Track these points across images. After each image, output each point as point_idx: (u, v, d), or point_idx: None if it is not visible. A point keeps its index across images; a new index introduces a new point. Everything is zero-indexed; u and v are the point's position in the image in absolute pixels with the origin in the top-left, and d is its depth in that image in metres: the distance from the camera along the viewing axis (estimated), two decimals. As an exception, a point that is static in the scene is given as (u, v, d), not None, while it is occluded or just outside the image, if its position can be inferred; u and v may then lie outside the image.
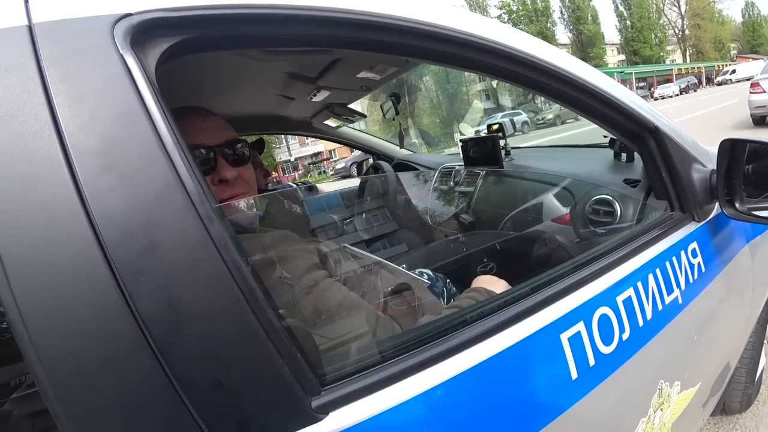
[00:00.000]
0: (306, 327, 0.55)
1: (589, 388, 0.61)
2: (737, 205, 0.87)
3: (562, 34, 42.20)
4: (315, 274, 0.64)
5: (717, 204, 0.91)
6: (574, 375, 0.59)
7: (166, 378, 0.35)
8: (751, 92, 7.35)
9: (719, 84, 28.63)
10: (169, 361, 0.36)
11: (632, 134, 0.88)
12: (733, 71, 29.31)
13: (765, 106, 7.16)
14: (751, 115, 7.53)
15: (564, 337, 0.60)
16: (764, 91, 7.07)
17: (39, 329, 0.33)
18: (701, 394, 0.95)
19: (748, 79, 10.26)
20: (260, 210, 0.83)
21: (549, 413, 0.57)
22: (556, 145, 2.01)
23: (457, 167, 1.95)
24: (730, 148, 0.85)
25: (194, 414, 0.36)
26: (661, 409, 0.78)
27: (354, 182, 2.51)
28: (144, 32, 0.43)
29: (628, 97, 0.82)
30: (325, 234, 1.78)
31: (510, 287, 0.83)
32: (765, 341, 1.47)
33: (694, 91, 28.66)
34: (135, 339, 0.35)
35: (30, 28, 0.38)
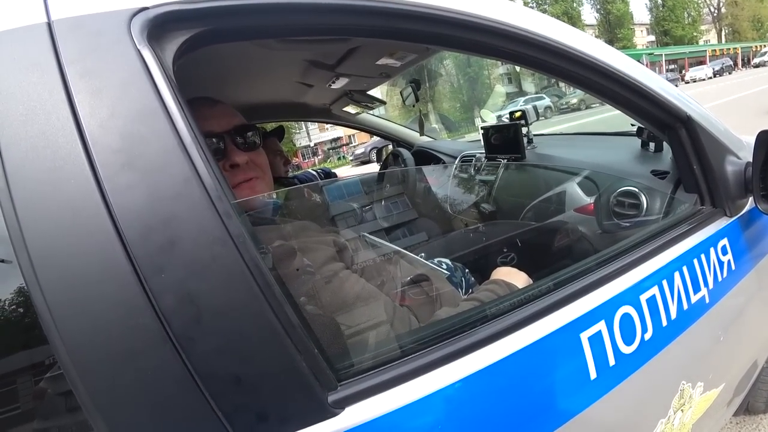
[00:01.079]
0: (323, 321, 0.55)
1: (607, 389, 0.60)
2: (774, 201, 0.83)
3: (589, 14, 40.54)
4: (332, 266, 0.65)
5: (751, 199, 0.87)
6: (593, 375, 0.58)
7: (187, 372, 0.36)
8: None
9: (756, 66, 27.16)
10: (190, 356, 0.36)
11: (662, 123, 0.84)
12: None
13: None
14: None
15: (584, 336, 0.58)
16: None
17: (65, 321, 0.35)
18: (725, 394, 0.92)
19: None
20: (279, 200, 0.83)
21: (566, 413, 0.56)
22: (581, 133, 1.95)
23: (477, 155, 1.91)
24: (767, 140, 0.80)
25: (214, 407, 0.37)
26: (682, 410, 0.77)
27: (373, 168, 2.51)
28: (160, 26, 0.43)
29: (659, 84, 0.79)
30: (345, 221, 1.78)
31: (530, 279, 0.81)
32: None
33: (729, 73, 27.16)
34: (157, 333, 0.36)
35: (49, 25, 0.39)
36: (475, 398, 0.49)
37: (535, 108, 1.91)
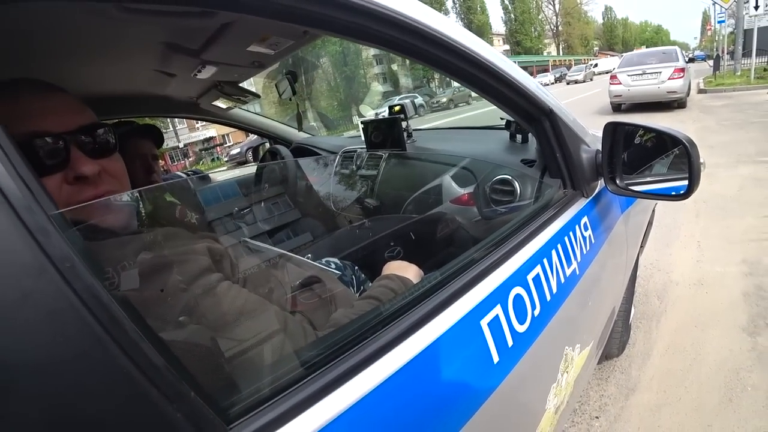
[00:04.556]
0: (201, 350, 0.45)
1: (509, 369, 0.61)
2: (618, 182, 0.95)
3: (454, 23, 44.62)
4: (207, 278, 0.53)
5: (601, 181, 0.99)
6: (495, 359, 0.59)
7: None
8: (610, 83, 8.80)
9: (569, 83, 32.76)
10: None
11: (529, 116, 0.91)
12: (596, 65, 34.28)
13: (621, 95, 8.61)
14: (611, 102, 9.05)
15: (484, 323, 0.59)
16: (620, 83, 8.48)
17: None
18: (593, 349, 1.05)
19: (608, 72, 12.04)
20: (138, 206, 0.68)
21: (477, 401, 0.55)
22: (457, 127, 2.06)
23: (358, 150, 1.90)
24: (613, 131, 0.93)
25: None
26: (567, 372, 0.84)
27: (251, 169, 2.33)
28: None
29: (527, 80, 0.84)
30: (223, 227, 1.61)
31: (420, 271, 0.81)
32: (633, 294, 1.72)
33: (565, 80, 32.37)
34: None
35: None
36: (388, 406, 0.45)
37: (413, 103, 1.96)
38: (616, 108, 9.02)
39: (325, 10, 0.52)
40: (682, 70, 7.83)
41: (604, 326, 1.16)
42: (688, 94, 8.52)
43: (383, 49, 0.67)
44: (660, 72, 7.93)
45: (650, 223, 1.87)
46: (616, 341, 1.61)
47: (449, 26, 0.69)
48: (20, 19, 0.71)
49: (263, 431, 0.36)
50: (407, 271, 0.80)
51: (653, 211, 1.79)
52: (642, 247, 1.86)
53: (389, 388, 0.45)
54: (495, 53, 0.78)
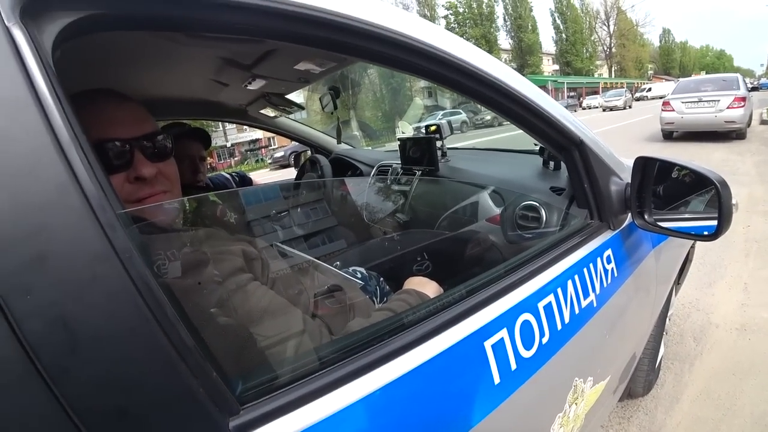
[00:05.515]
0: (226, 339, 0.51)
1: (510, 392, 0.64)
2: (646, 217, 0.95)
3: (504, 40, 44.16)
4: (239, 277, 0.60)
5: (629, 214, 0.99)
6: (496, 380, 0.61)
7: (61, 408, 0.31)
8: (662, 110, 8.39)
9: (637, 99, 31.49)
10: (64, 390, 0.31)
11: (559, 145, 0.93)
12: (650, 89, 32.96)
13: (673, 123, 8.20)
14: (662, 130, 8.62)
15: (488, 344, 0.61)
16: (673, 110, 8.09)
17: None
18: (611, 384, 1.04)
19: (661, 97, 11.57)
20: (184, 207, 0.77)
21: (473, 418, 0.58)
22: (491, 149, 2.08)
23: (394, 165, 1.95)
24: (643, 165, 0.93)
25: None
26: (576, 404, 0.84)
27: (292, 172, 2.43)
28: (38, 2, 0.37)
29: (558, 111, 0.87)
30: (260, 228, 1.70)
31: (440, 288, 0.84)
32: (664, 333, 1.65)
33: (617, 103, 31.34)
34: (22, 366, 0.30)
35: None
36: (384, 412, 0.49)
37: (449, 123, 2.00)
38: (668, 136, 8.63)
39: (360, 42, 0.59)
40: (743, 99, 7.37)
41: (625, 362, 1.14)
42: (748, 124, 8.01)
43: (426, 80, 0.73)
44: (718, 100, 7.49)
45: (689, 260, 1.80)
46: (641, 380, 1.55)
47: (485, 59, 0.74)
48: (105, 41, 0.81)
49: (270, 416, 0.41)
50: (426, 287, 0.84)
51: (692, 247, 1.73)
52: (678, 284, 1.79)
53: (388, 392, 0.49)
54: (528, 85, 0.82)
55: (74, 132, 0.35)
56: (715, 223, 0.88)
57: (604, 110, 24.06)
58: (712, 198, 0.95)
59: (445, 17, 39.74)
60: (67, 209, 0.33)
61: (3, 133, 0.32)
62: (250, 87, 1.44)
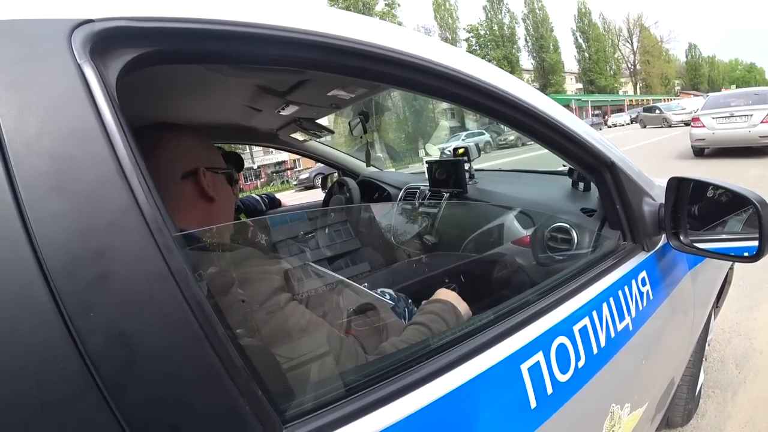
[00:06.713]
0: (268, 359, 0.52)
1: (546, 416, 0.62)
2: (682, 238, 0.93)
3: (526, 61, 44.21)
4: (278, 297, 0.62)
5: (664, 235, 0.96)
6: (533, 404, 0.60)
7: (116, 422, 0.32)
8: (692, 126, 8.11)
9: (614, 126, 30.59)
10: (120, 404, 0.33)
11: (590, 167, 0.92)
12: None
13: (704, 139, 7.93)
14: (692, 146, 8.34)
15: (524, 367, 0.61)
16: (703, 126, 7.84)
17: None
18: (649, 412, 0.99)
19: (687, 121, 11.26)
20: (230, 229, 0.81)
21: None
22: (519, 170, 2.07)
23: (421, 187, 1.97)
24: (677, 186, 0.91)
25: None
26: (613, 431, 0.81)
27: (317, 193, 2.48)
28: (105, 41, 0.41)
29: (588, 133, 0.87)
30: (287, 249, 1.73)
31: (467, 308, 0.84)
32: (704, 359, 1.57)
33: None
34: (82, 380, 0.32)
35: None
36: (422, 434, 0.49)
37: (477, 145, 2.01)
38: (699, 152, 8.35)
39: (394, 71, 0.61)
40: (778, 113, 7.08)
41: (663, 389, 1.09)
42: (786, 139, 7.72)
43: (454, 104, 0.75)
44: (751, 114, 7.22)
45: (728, 282, 1.72)
46: (680, 408, 1.47)
47: (510, 82, 0.75)
48: (153, 73, 0.87)
49: (312, 435, 0.42)
50: (460, 304, 0.84)
51: (731, 268, 1.66)
52: (718, 307, 1.71)
53: (426, 414, 0.49)
54: (556, 107, 0.82)
55: (136, 159, 0.37)
56: (755, 243, 0.85)
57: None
58: (751, 217, 0.93)
59: (467, 40, 40.23)
60: (128, 231, 0.35)
61: (72, 160, 0.35)
62: (282, 113, 1.50)
